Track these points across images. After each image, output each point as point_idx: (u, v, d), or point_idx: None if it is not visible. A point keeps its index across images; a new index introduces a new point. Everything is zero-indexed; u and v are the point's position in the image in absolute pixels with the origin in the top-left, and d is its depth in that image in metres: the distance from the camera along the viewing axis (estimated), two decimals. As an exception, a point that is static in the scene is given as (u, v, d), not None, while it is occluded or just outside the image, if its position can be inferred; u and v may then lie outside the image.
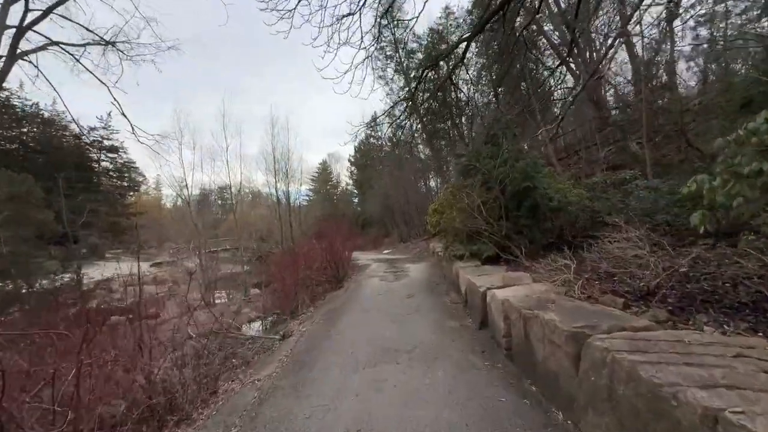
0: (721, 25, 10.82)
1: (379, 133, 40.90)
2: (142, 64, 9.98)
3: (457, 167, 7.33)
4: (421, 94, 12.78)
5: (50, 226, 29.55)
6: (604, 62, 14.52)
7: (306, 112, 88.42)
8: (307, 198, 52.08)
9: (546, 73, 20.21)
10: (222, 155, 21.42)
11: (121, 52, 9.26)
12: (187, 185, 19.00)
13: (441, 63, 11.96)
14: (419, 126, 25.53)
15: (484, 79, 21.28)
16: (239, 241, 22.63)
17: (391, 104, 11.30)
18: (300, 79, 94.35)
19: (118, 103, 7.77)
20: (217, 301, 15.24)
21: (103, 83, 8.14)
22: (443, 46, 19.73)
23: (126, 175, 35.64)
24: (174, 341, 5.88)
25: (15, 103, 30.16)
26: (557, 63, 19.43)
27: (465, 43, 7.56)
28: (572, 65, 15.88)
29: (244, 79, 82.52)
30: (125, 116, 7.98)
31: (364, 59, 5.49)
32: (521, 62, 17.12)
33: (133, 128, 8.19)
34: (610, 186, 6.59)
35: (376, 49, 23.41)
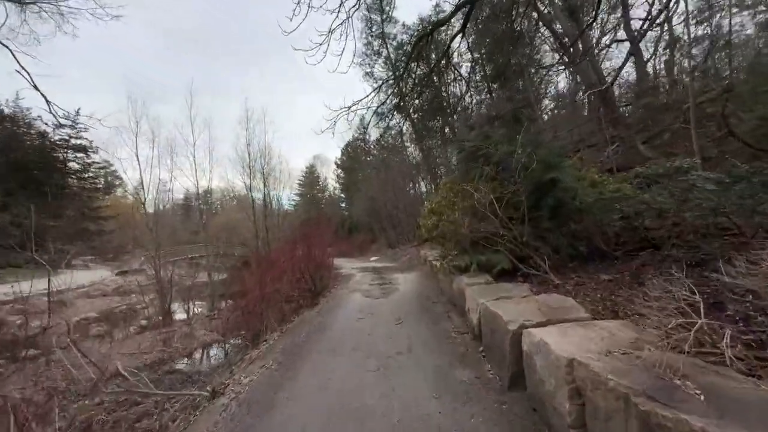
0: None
1: (367, 136, 39.57)
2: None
3: (459, 156, 5.80)
4: (412, 79, 11.27)
5: (6, 230, 27.01)
6: (613, 74, 13.35)
7: (290, 116, 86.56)
8: (294, 203, 50.26)
9: (542, 69, 19.08)
10: (187, 150, 19.20)
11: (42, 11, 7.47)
12: (143, 183, 16.89)
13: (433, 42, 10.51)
14: (408, 125, 24.23)
15: (477, 74, 20.10)
16: (207, 247, 20.63)
17: (378, 85, 9.77)
18: (284, 81, 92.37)
19: (26, 72, 6.06)
20: (178, 316, 13.34)
21: (4, 45, 6.33)
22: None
23: (94, 176, 33.19)
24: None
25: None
26: (557, 58, 18.32)
27: (468, 6, 6.07)
28: (570, 59, 14.64)
29: (221, 78, 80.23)
30: (37, 89, 6.24)
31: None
32: (519, 55, 15.89)
33: (48, 104, 6.43)
34: (660, 178, 5.12)
35: (363, 36, 21.95)
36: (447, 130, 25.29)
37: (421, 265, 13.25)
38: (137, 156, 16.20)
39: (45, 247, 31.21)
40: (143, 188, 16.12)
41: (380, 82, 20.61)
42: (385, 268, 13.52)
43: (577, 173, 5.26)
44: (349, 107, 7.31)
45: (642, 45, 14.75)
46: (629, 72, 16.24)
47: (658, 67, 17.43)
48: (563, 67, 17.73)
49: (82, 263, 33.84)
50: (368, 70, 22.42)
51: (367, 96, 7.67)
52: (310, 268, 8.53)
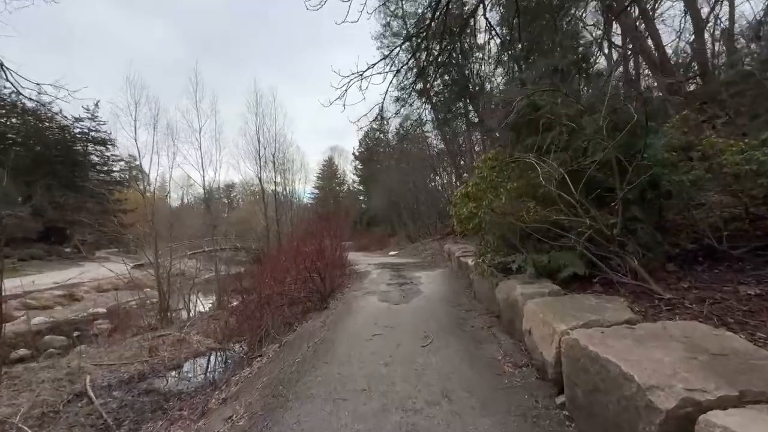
0: None
1: (385, 125, 38.10)
2: None
3: (510, 119, 4.28)
4: (432, 53, 9.83)
5: (26, 223, 27.29)
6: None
7: (304, 113, 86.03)
8: (312, 196, 49.55)
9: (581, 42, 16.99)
10: (192, 136, 17.95)
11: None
12: (141, 169, 16.04)
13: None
14: (429, 109, 22.59)
15: (504, 55, 18.16)
16: (224, 241, 19.84)
17: (398, 43, 8.36)
18: (296, 81, 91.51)
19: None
20: (185, 314, 12.49)
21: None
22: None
23: (115, 169, 33.33)
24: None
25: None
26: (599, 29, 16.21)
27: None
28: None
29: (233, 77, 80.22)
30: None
31: None
32: (555, 25, 14.00)
33: (4, 70, 5.38)
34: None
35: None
36: (471, 113, 23.59)
37: (445, 262, 11.83)
38: (136, 141, 15.31)
39: (68, 240, 31.62)
40: (141, 172, 14.95)
41: (397, 43, 19.17)
42: (404, 264, 12.18)
43: (681, 140, 3.71)
44: (362, 73, 5.96)
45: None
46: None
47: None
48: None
49: (105, 256, 34.25)
50: (385, 52, 20.86)
51: (385, 58, 6.29)
52: (320, 266, 7.29)
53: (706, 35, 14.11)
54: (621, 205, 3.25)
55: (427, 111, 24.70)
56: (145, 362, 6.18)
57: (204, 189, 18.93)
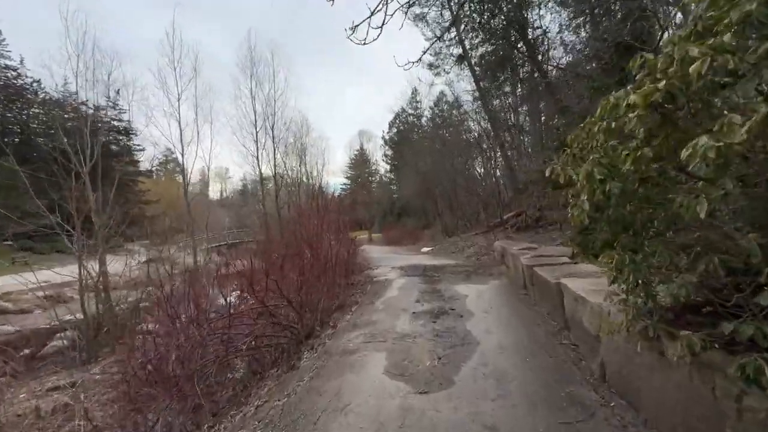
0: None
1: (418, 101, 34.39)
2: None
3: None
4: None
5: (42, 215, 26.81)
6: None
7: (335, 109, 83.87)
8: (344, 186, 47.13)
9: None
10: (172, 108, 15.01)
11: None
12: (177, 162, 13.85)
13: None
14: (470, 79, 18.78)
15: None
16: (243, 234, 17.48)
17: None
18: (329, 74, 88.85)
19: None
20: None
21: None
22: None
23: (140, 159, 32.63)
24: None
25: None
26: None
27: None
28: None
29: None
30: None
31: None
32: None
33: None
34: None
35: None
36: (519, 86, 19.45)
37: (497, 265, 8.46)
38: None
39: (90, 232, 31.34)
40: (82, 153, 12.39)
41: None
42: (441, 268, 8.93)
43: None
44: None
45: None
46: None
47: None
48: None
49: (136, 248, 33.85)
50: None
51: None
52: (301, 286, 4.26)
53: None
54: None
55: (465, 80, 20.91)
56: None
57: (182, 169, 16.29)
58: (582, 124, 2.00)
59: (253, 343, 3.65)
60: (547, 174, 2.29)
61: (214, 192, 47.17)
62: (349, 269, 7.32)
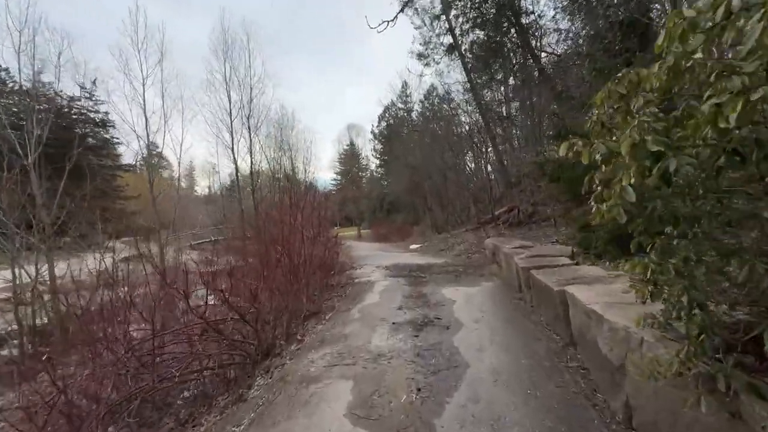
0: None
1: (408, 93, 33.61)
2: None
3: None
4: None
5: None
6: None
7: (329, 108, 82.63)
8: (335, 182, 46.18)
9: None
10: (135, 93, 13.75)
11: None
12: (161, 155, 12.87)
13: None
14: (461, 70, 18.09)
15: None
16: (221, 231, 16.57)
17: None
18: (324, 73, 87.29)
19: None
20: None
21: None
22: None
23: (113, 153, 31.19)
24: None
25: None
26: None
27: None
28: None
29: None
30: None
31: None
32: None
33: None
34: None
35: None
36: (512, 76, 18.82)
37: (488, 265, 7.85)
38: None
39: (68, 229, 29.96)
40: (27, 144, 11.19)
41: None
42: (429, 267, 8.29)
43: None
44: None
45: None
46: None
47: None
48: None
49: (119, 246, 32.56)
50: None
51: None
52: (256, 300, 3.56)
53: None
54: None
55: (456, 70, 20.19)
56: None
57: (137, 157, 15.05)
58: (619, 75, 1.35)
59: (197, 365, 2.94)
60: (562, 153, 1.63)
61: (202, 188, 45.64)
62: (329, 270, 6.62)
